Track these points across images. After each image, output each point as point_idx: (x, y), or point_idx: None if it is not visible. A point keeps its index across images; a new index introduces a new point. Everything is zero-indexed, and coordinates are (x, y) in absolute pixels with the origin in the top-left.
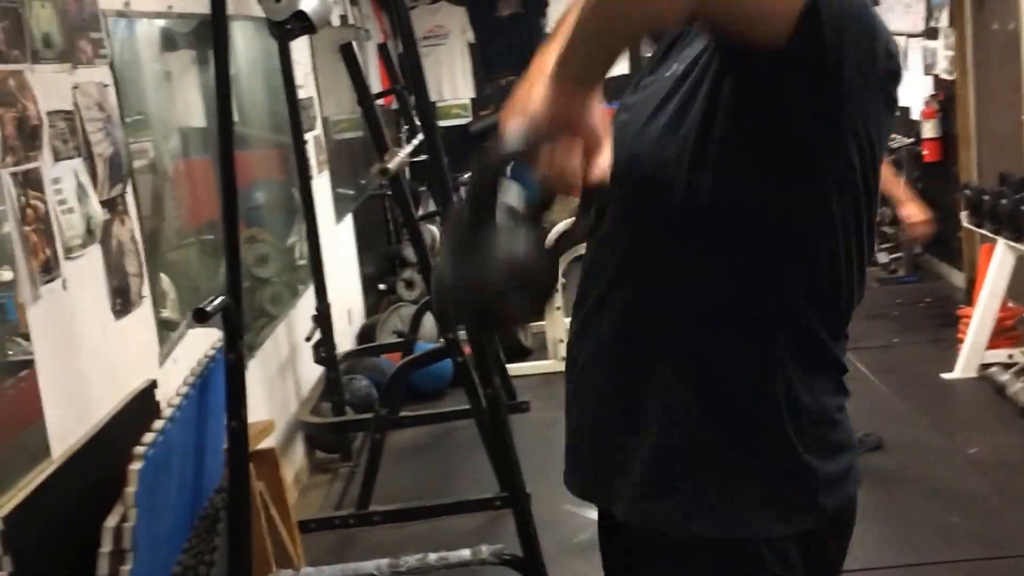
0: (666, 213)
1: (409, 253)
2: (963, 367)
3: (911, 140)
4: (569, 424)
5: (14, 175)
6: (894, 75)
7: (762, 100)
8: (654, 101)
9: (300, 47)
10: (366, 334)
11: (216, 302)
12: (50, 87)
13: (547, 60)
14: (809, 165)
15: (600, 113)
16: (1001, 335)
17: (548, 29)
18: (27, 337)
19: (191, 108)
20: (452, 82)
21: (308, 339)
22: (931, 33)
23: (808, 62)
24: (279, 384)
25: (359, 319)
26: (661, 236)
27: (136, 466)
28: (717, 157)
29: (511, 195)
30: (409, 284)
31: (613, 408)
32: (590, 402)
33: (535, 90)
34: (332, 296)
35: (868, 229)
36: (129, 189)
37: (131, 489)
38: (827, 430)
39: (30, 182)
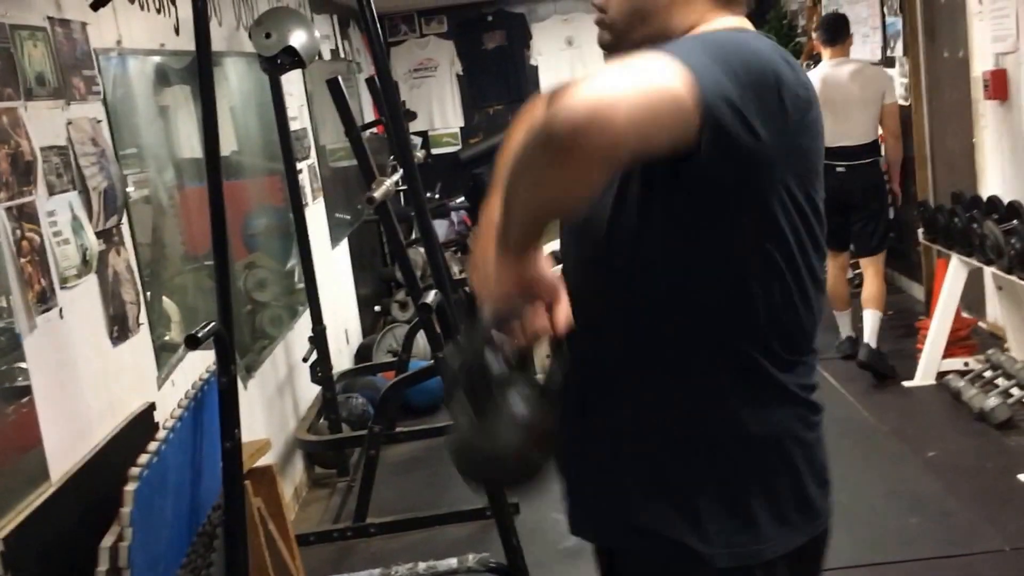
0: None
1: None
2: (922, 375)
3: None
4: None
5: (8, 209)
6: (806, 123)
7: (693, 193)
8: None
9: (294, 80)
10: (363, 353)
11: (207, 328)
12: (44, 123)
13: (494, 211)
14: (742, 233)
15: (548, 264)
16: (957, 344)
17: (531, 61)
18: (25, 365)
19: (190, 140)
20: (442, 112)
21: (305, 360)
22: (888, 61)
23: (722, 153)
24: (278, 403)
25: (356, 339)
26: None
27: (131, 487)
28: (652, 250)
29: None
30: (403, 305)
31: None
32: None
33: (490, 253)
34: (329, 317)
35: (809, 269)
36: (124, 220)
37: (126, 509)
38: (777, 459)
39: (25, 215)
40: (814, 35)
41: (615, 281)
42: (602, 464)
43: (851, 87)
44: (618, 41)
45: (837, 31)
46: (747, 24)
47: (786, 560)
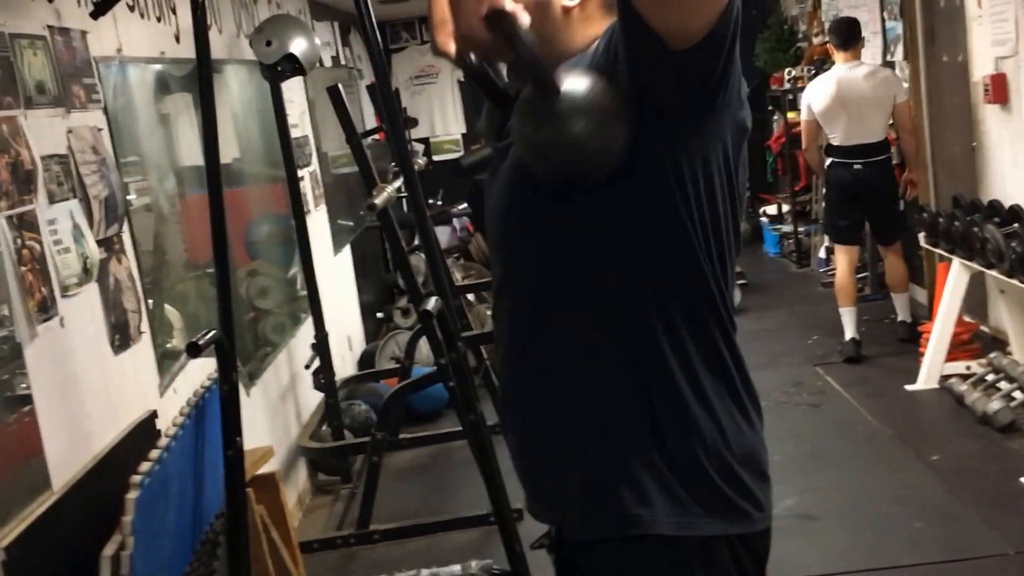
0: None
1: None
2: (925, 379)
3: None
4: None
5: (9, 218)
6: (739, 96)
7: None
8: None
9: (295, 87)
10: (366, 360)
11: (208, 336)
12: (44, 132)
13: None
14: (669, 172)
15: None
16: (959, 348)
17: None
18: (26, 374)
19: (191, 148)
20: (444, 118)
21: (307, 367)
22: (888, 66)
23: (705, 61)
24: (281, 410)
25: (359, 346)
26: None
27: (132, 495)
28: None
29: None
30: (405, 312)
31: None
32: (522, 432)
33: None
34: (332, 324)
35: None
36: (126, 228)
37: (128, 518)
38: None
39: (25, 224)
40: (820, 39)
41: (564, 249)
42: (548, 441)
43: (865, 89)
44: None
45: (850, 35)
46: None
47: (728, 544)
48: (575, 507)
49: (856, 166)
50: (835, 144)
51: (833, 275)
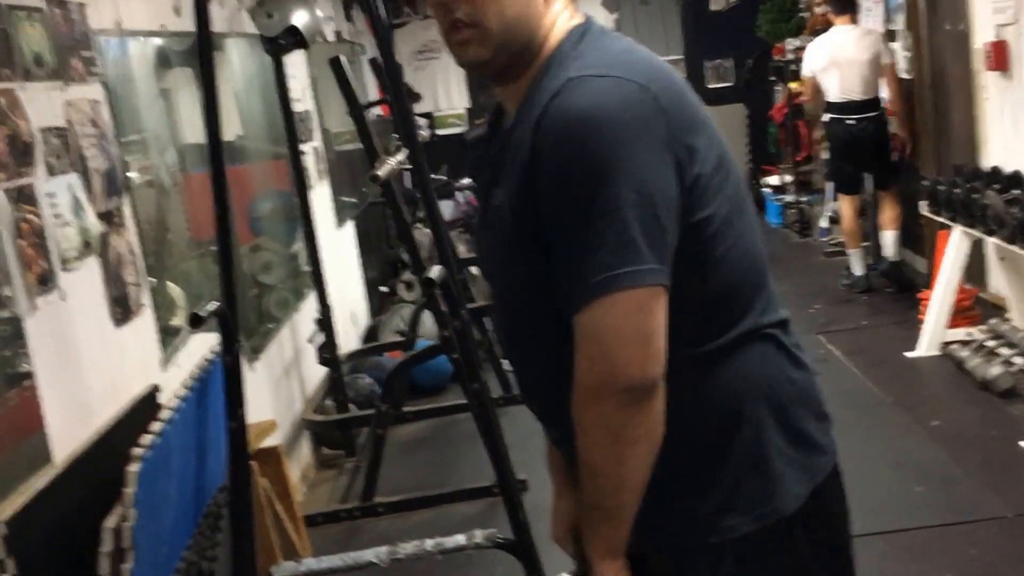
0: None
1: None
2: (926, 346)
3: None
4: None
5: (7, 191)
6: (679, 94)
7: None
8: (497, 239)
9: (297, 62)
10: (370, 334)
11: (210, 307)
12: (42, 104)
13: None
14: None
15: None
16: (960, 315)
17: None
18: (26, 348)
19: (193, 124)
20: (448, 93)
21: (310, 341)
22: (890, 35)
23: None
24: (285, 385)
25: (363, 320)
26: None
27: (134, 467)
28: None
29: None
30: (409, 286)
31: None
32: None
33: None
34: (336, 299)
35: (732, 220)
36: (126, 202)
37: (130, 490)
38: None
39: (24, 197)
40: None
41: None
42: None
43: (855, 50)
44: (496, 54)
45: (847, 1)
46: (583, 21)
47: (801, 510)
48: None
49: (849, 121)
50: (831, 101)
51: (835, 245)
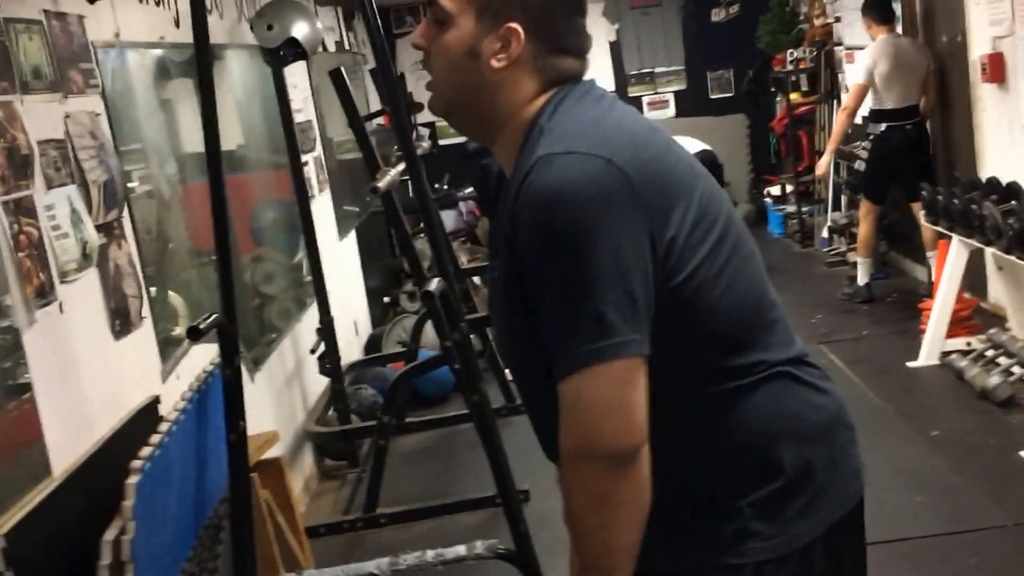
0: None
1: None
2: (926, 355)
3: None
4: None
5: (5, 203)
6: (657, 158)
7: None
8: (497, 289)
9: (298, 72)
10: (373, 344)
11: (209, 320)
12: (41, 117)
13: None
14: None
15: None
16: (959, 325)
17: None
18: (25, 360)
19: (194, 134)
20: None
21: (312, 351)
22: None
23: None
24: (286, 396)
25: (366, 330)
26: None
27: (133, 480)
28: None
29: None
30: (411, 296)
31: None
32: None
33: None
34: (337, 309)
35: (729, 259)
36: (125, 213)
37: (129, 503)
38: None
39: (23, 209)
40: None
41: None
42: None
43: (913, 55)
44: (447, 113)
45: (889, 9)
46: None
47: (821, 538)
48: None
49: (908, 127)
50: (890, 108)
51: (836, 255)
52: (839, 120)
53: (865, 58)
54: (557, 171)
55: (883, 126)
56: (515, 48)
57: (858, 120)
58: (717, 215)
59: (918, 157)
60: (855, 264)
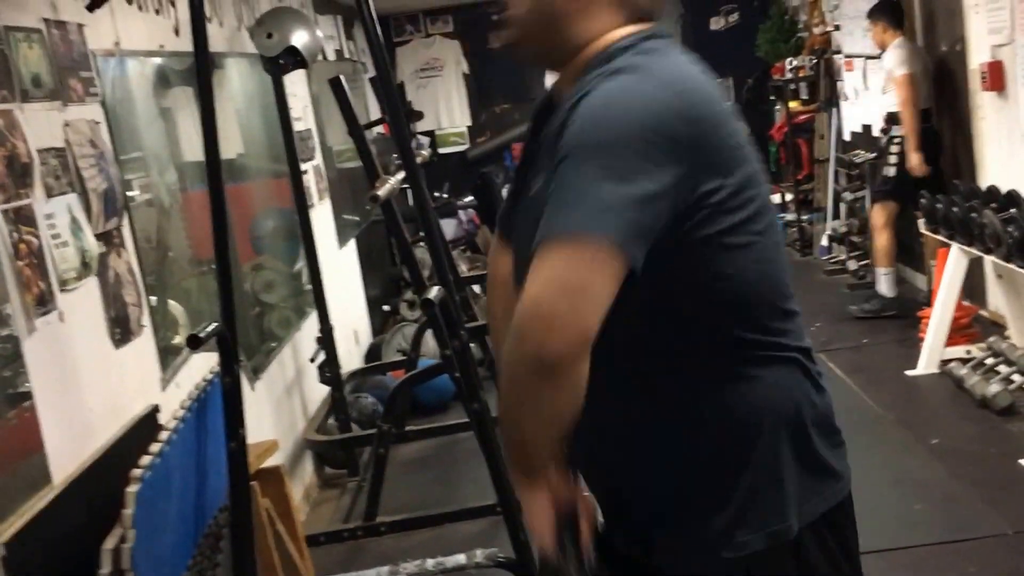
0: None
1: None
2: (925, 364)
3: (874, 155)
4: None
5: (5, 212)
6: (726, 118)
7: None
8: (529, 219)
9: (298, 81)
10: (373, 353)
11: (209, 328)
12: (40, 125)
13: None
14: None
15: (563, 475)
16: (959, 333)
17: None
18: (25, 369)
19: (194, 143)
20: (449, 111)
21: (312, 360)
22: None
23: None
24: (286, 404)
25: (366, 339)
26: None
27: (133, 488)
28: None
29: None
30: (411, 304)
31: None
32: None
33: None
34: (337, 318)
35: (752, 245)
36: (125, 222)
37: (128, 511)
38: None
39: (22, 218)
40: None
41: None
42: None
43: (927, 60)
44: (518, 42)
45: (902, 14)
46: (652, 31)
47: (811, 529)
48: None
49: (929, 128)
50: (922, 108)
51: (836, 263)
52: (909, 116)
53: (898, 55)
54: (627, 87)
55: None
56: None
57: (857, 127)
58: (758, 194)
59: (936, 160)
60: (855, 272)
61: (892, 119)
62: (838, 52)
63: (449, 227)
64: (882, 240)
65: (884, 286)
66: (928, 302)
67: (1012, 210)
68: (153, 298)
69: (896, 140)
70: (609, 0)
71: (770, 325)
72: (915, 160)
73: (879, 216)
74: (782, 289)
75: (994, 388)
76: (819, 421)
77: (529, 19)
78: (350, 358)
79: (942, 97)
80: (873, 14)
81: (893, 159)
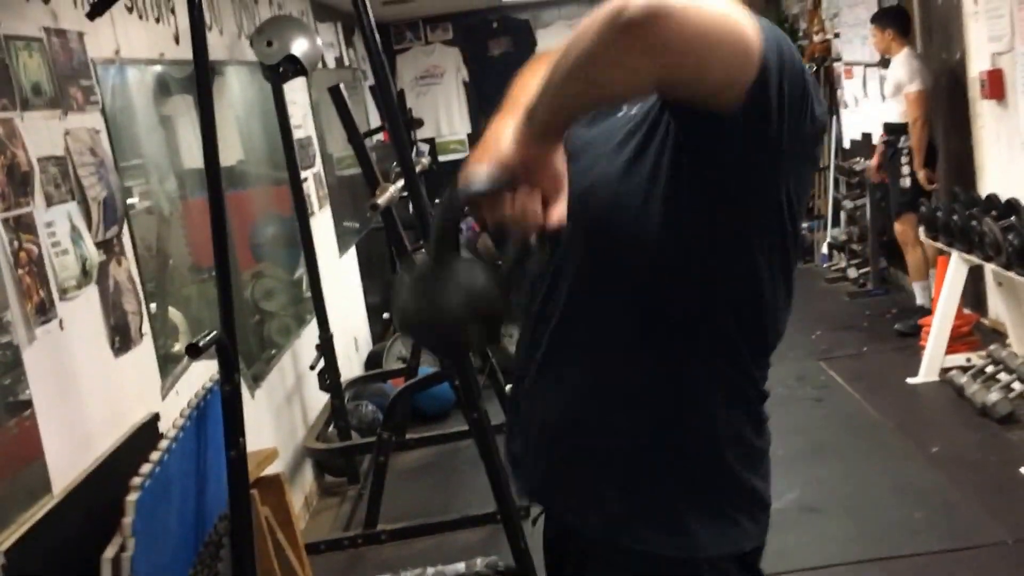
0: (614, 249)
1: None
2: (925, 372)
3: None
4: (514, 431)
5: (5, 220)
6: (819, 136)
7: (710, 160)
8: (610, 142)
9: (298, 88)
10: (373, 361)
11: (208, 337)
12: (40, 134)
13: (518, 101)
14: (744, 216)
15: (561, 161)
16: (959, 341)
17: None
18: (25, 377)
19: (194, 150)
20: (449, 119)
21: (312, 368)
22: (885, 63)
23: (754, 125)
24: (286, 412)
25: (366, 346)
26: (606, 271)
27: (133, 497)
28: (664, 206)
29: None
30: None
31: (571, 424)
32: (546, 413)
33: (503, 134)
34: (337, 326)
35: (787, 278)
36: (125, 230)
37: (128, 520)
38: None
39: (22, 226)
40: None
41: (635, 270)
42: (583, 449)
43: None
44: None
45: (910, 23)
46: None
47: (737, 562)
48: (604, 508)
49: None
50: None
51: (836, 271)
52: (921, 135)
53: (910, 69)
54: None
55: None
56: None
57: (856, 135)
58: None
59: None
60: (855, 280)
61: (891, 129)
62: (838, 60)
63: None
64: (917, 254)
65: (923, 298)
66: (930, 310)
67: (1012, 218)
68: (153, 305)
69: (905, 151)
70: None
71: (767, 356)
72: (924, 175)
73: (907, 231)
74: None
75: (994, 396)
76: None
77: None
78: (350, 366)
79: (942, 105)
80: (881, 20)
81: (906, 170)
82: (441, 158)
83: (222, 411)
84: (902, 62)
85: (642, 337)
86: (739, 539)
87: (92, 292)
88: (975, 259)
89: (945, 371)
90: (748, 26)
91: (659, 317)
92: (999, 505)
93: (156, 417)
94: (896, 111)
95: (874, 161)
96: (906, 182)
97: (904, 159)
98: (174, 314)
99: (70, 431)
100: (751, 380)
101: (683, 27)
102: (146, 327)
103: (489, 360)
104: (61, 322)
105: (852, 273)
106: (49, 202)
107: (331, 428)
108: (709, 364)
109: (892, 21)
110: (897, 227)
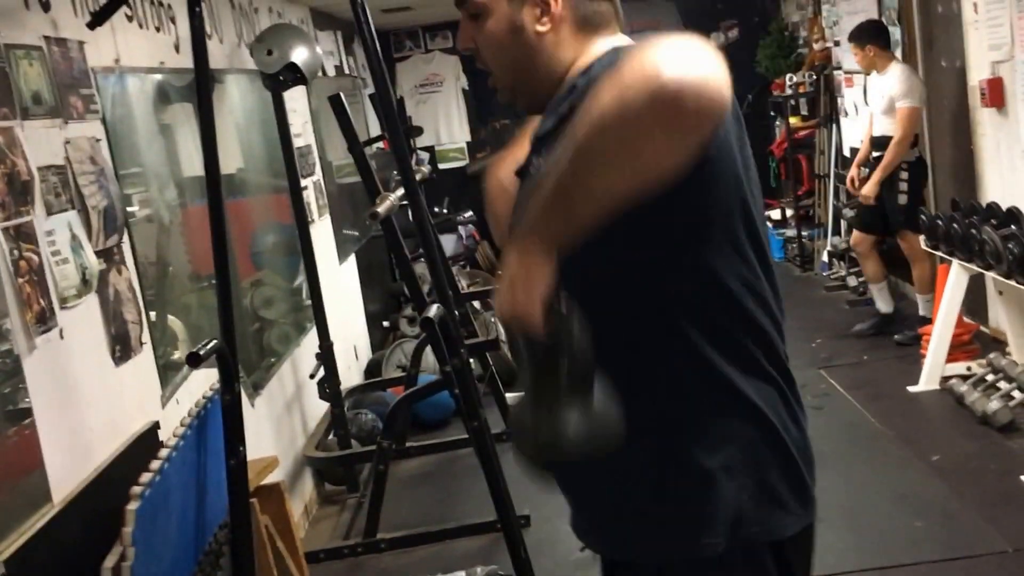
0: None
1: None
2: (926, 380)
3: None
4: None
5: (5, 230)
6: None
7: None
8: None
9: (298, 97)
10: (373, 369)
11: (209, 346)
12: (41, 143)
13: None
14: (701, 207)
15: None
16: (959, 349)
17: None
18: (25, 386)
19: (193, 159)
20: (449, 127)
21: (312, 376)
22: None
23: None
24: (286, 420)
25: (365, 355)
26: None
27: (133, 506)
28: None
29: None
30: (411, 320)
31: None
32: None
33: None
34: (337, 334)
35: (757, 247)
36: (125, 239)
37: (128, 529)
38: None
39: (23, 235)
40: (820, 45)
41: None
42: (601, 472)
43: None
44: (514, 98)
45: (888, 34)
46: (628, 41)
47: (772, 548)
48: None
49: (917, 158)
50: (916, 133)
51: (836, 279)
52: (900, 151)
53: (905, 85)
54: None
55: (916, 152)
56: (555, 8)
57: (856, 143)
58: (758, 214)
59: (920, 191)
60: (855, 288)
61: (882, 144)
62: (838, 68)
63: (449, 243)
64: (924, 268)
65: (926, 310)
66: (930, 318)
67: (1012, 227)
68: (153, 314)
69: (903, 167)
70: (574, 22)
71: (769, 343)
72: (871, 190)
73: (911, 246)
74: (773, 310)
75: (995, 405)
76: (798, 450)
77: (513, 74)
78: (350, 374)
79: (941, 114)
80: (859, 38)
81: (903, 186)
82: (441, 166)
83: (222, 420)
84: (899, 78)
85: (635, 356)
86: (778, 525)
87: (92, 301)
88: (975, 268)
89: (946, 379)
90: (719, 66)
91: (639, 335)
92: (1000, 514)
93: (156, 426)
94: (888, 126)
95: (852, 171)
96: (903, 199)
97: (904, 174)
98: (174, 322)
99: (70, 440)
100: (759, 368)
101: (719, 96)
102: (146, 336)
103: (489, 368)
104: (61, 331)
105: (852, 281)
106: (49, 211)
107: (331, 436)
108: (708, 365)
109: (870, 37)
110: (903, 244)
